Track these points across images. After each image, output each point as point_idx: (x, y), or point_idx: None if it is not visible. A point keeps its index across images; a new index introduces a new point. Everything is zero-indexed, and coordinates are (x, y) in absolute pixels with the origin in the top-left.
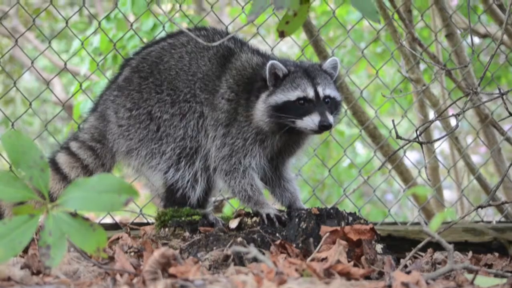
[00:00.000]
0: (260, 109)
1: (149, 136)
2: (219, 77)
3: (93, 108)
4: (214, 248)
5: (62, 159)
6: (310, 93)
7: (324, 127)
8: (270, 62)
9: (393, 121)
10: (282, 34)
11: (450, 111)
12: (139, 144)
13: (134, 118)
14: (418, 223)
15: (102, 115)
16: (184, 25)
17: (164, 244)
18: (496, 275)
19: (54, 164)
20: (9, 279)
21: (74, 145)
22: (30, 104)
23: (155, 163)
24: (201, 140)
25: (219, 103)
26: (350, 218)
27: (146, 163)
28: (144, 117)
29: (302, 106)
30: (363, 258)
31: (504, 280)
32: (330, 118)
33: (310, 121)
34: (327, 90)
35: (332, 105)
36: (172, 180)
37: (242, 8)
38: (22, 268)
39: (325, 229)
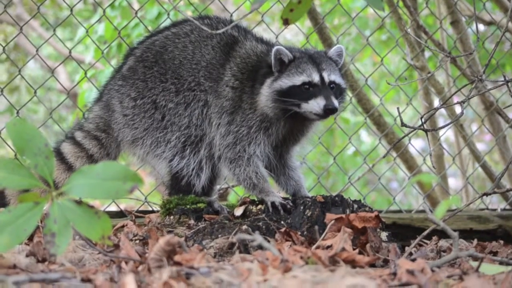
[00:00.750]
0: (265, 94)
1: (154, 125)
2: (223, 65)
3: (98, 98)
4: (219, 235)
5: (67, 148)
6: (316, 78)
7: (329, 110)
8: (276, 47)
9: (398, 108)
10: (286, 22)
11: (455, 99)
12: (144, 133)
13: (139, 107)
14: (423, 211)
15: (106, 105)
16: (188, 14)
17: (169, 232)
18: (501, 263)
19: (59, 154)
20: (14, 266)
21: (79, 135)
22: (35, 92)
23: (160, 152)
24: (205, 128)
25: (223, 90)
26: (355, 206)
27: (151, 152)
28: (149, 106)
29: (307, 91)
30: (368, 245)
31: (509, 268)
32: (335, 102)
33: (315, 104)
34: (332, 76)
35: (337, 91)
36: (177, 168)
37: None
38: (27, 255)
39: (330, 217)
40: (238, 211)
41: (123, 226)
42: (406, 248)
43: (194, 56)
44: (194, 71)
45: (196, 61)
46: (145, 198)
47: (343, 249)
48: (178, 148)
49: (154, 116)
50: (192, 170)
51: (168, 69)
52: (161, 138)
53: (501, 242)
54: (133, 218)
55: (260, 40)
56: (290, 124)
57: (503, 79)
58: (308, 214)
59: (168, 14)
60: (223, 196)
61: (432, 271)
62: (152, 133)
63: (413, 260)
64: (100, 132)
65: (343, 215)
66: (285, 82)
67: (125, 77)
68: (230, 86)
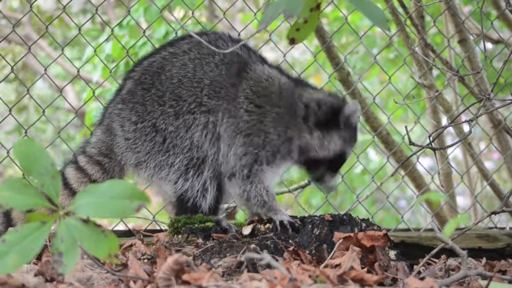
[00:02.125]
0: (312, 145)
1: (155, 148)
2: (234, 85)
3: (99, 121)
4: (228, 254)
5: (71, 174)
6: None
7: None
8: (348, 111)
9: (406, 127)
10: (292, 41)
11: (463, 117)
12: (147, 157)
13: (139, 131)
14: (431, 230)
15: (108, 129)
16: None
17: (177, 251)
18: (510, 282)
19: (63, 178)
20: (23, 286)
21: (82, 160)
22: (43, 111)
23: (164, 174)
24: (207, 150)
25: (238, 111)
26: (364, 225)
27: (156, 174)
28: (149, 130)
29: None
30: (376, 264)
31: None
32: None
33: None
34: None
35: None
36: (181, 190)
37: (255, 14)
38: (35, 275)
39: (338, 236)
40: (246, 230)
41: (131, 245)
42: (415, 266)
43: (195, 74)
44: (196, 90)
45: (198, 78)
46: (153, 217)
47: (352, 268)
48: (181, 171)
49: (155, 139)
50: (197, 191)
51: (165, 90)
52: (164, 162)
53: (510, 261)
54: (141, 237)
55: (278, 69)
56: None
57: (511, 97)
58: (317, 233)
59: (176, 33)
60: (231, 215)
61: None
62: (154, 156)
63: (422, 278)
64: (103, 157)
65: (352, 234)
66: (335, 148)
67: (125, 100)
68: (245, 109)
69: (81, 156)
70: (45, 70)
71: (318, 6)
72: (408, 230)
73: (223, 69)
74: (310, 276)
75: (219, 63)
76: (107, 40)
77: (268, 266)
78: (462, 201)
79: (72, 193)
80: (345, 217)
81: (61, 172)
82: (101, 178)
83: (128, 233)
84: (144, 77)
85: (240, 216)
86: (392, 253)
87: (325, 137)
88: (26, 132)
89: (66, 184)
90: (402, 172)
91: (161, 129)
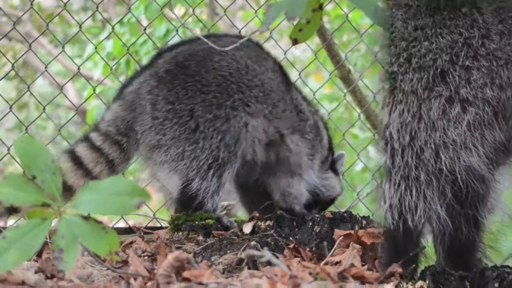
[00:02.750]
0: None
1: (184, 134)
2: (288, 108)
3: (117, 96)
4: (228, 251)
5: (84, 153)
6: None
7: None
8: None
9: None
10: (295, 42)
11: None
12: (172, 142)
13: (173, 112)
14: None
15: (131, 106)
16: (197, 31)
17: (178, 248)
18: None
19: (75, 157)
20: (23, 283)
21: (97, 139)
22: (44, 108)
23: (182, 167)
24: (236, 152)
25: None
26: (364, 222)
27: (171, 163)
28: (185, 113)
29: None
30: (377, 261)
31: None
32: None
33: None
34: None
35: None
36: (195, 189)
37: (255, 12)
38: (36, 272)
39: (338, 233)
40: (247, 228)
41: (131, 243)
42: None
43: (248, 71)
44: (248, 88)
45: (251, 76)
46: (154, 215)
47: (352, 265)
48: (203, 169)
49: (187, 125)
50: (209, 192)
51: (211, 81)
52: (188, 153)
53: None
54: (142, 234)
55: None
56: None
57: None
58: (317, 230)
59: (177, 31)
60: (230, 212)
61: None
62: (180, 143)
63: None
64: (122, 136)
65: (352, 231)
66: (338, 189)
67: (163, 79)
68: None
69: (95, 133)
70: (46, 67)
71: (320, 7)
72: None
73: (273, 77)
74: (310, 273)
75: (271, 69)
76: (107, 37)
77: (269, 263)
78: None
79: (87, 173)
80: (345, 214)
81: (71, 150)
82: (118, 159)
83: (129, 230)
84: (188, 63)
85: (240, 213)
86: None
87: (335, 178)
88: (26, 129)
89: (80, 164)
90: None
91: (197, 116)
